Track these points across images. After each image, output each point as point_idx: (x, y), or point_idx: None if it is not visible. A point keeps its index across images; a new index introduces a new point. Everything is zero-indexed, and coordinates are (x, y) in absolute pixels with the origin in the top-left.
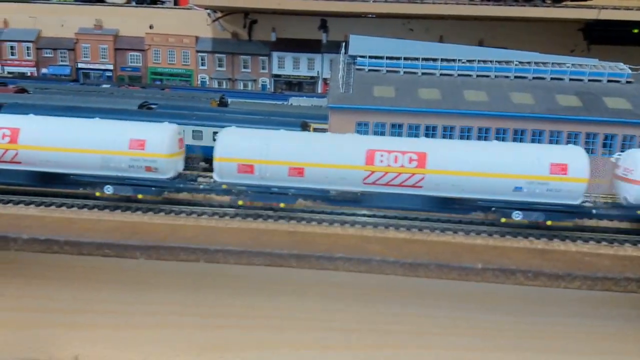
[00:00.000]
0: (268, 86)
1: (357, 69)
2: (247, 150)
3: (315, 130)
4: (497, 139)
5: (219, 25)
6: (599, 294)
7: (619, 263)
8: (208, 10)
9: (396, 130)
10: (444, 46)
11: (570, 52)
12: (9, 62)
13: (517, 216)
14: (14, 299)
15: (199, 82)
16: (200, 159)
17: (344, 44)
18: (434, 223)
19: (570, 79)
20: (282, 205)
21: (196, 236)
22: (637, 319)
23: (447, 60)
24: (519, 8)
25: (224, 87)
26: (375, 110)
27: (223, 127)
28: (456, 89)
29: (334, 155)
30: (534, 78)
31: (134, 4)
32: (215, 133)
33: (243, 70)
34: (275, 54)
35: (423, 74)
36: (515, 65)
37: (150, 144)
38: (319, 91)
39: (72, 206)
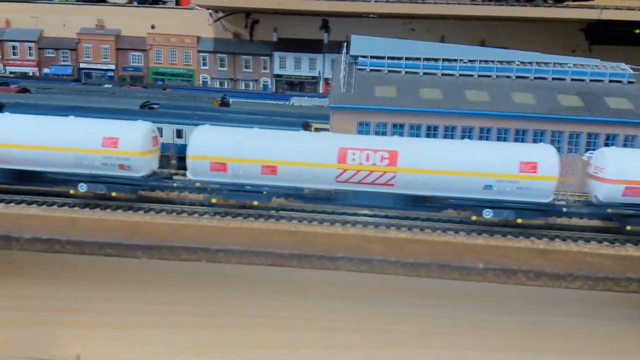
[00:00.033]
0: (269, 86)
1: (359, 69)
2: (220, 148)
3: (317, 130)
4: (498, 139)
5: (220, 25)
6: (600, 294)
7: (620, 263)
8: (210, 10)
9: (397, 130)
10: (445, 46)
11: (571, 52)
12: (11, 62)
13: (488, 214)
14: (16, 298)
15: (200, 82)
16: None
17: (345, 44)
18: (436, 223)
19: (572, 79)
20: (255, 203)
21: (198, 236)
22: (639, 319)
23: (449, 60)
24: (520, 8)
25: (226, 87)
26: (377, 110)
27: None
28: (458, 89)
29: (306, 153)
30: (535, 78)
31: (135, 4)
32: None
33: (245, 70)
34: (276, 54)
35: (424, 74)
36: (517, 65)
37: (123, 142)
38: (321, 91)
39: (74, 206)
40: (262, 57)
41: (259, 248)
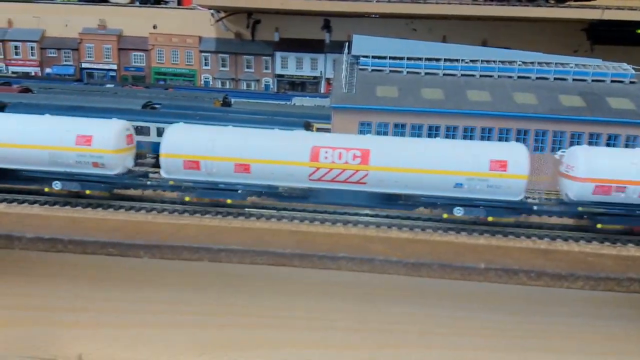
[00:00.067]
0: (271, 86)
1: (360, 69)
2: (193, 146)
3: (318, 130)
4: (500, 139)
5: (222, 25)
6: (602, 294)
7: (621, 263)
8: (211, 11)
9: (399, 130)
10: (447, 46)
11: (573, 52)
12: (13, 61)
13: (459, 212)
14: (18, 298)
15: (202, 82)
16: None
17: (347, 44)
18: (437, 223)
19: (574, 79)
20: (228, 201)
21: (199, 235)
22: None
23: (450, 60)
24: (522, 8)
25: (227, 87)
26: (378, 110)
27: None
28: (459, 89)
29: (279, 151)
30: (537, 78)
31: (137, 4)
32: None
33: (246, 70)
34: (278, 54)
35: (426, 74)
36: (519, 65)
37: (96, 140)
38: (322, 91)
39: (76, 205)
40: (264, 57)
41: (261, 248)
